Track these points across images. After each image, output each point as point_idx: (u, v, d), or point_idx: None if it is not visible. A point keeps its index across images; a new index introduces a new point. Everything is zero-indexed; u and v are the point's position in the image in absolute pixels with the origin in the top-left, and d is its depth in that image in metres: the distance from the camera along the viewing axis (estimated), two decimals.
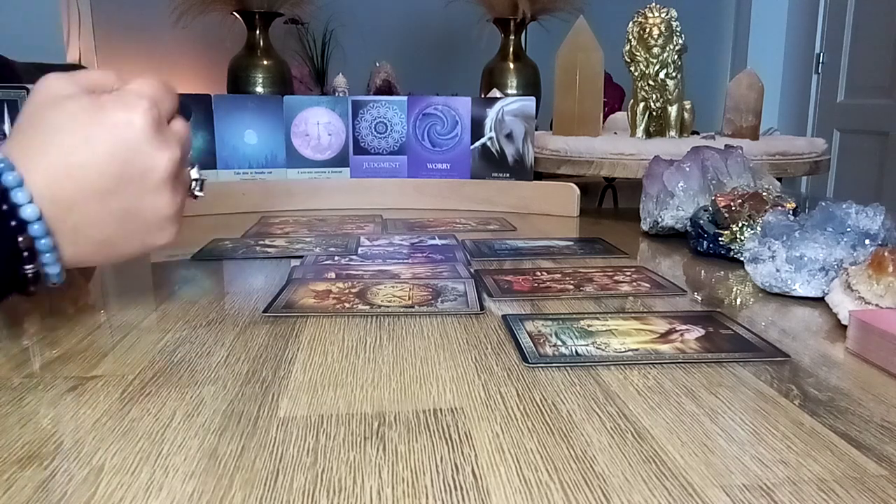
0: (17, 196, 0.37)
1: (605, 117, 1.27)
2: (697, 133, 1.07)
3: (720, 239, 0.64)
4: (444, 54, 2.92)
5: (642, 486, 0.26)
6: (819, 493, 0.26)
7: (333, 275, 0.57)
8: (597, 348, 0.40)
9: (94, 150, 0.39)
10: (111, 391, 0.35)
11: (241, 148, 0.92)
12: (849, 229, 0.51)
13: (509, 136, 0.93)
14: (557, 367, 0.38)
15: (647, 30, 0.94)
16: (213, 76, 2.63)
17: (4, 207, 0.36)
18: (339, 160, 0.95)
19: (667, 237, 0.75)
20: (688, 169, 0.72)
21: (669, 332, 0.43)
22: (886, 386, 0.36)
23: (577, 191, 0.89)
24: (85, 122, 0.39)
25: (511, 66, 2.00)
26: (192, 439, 0.30)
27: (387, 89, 2.09)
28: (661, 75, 0.96)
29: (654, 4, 0.95)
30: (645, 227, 0.76)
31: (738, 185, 0.69)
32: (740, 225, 0.63)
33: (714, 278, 0.59)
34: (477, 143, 0.94)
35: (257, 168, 0.93)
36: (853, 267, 0.47)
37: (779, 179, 0.83)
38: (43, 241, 0.38)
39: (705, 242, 0.65)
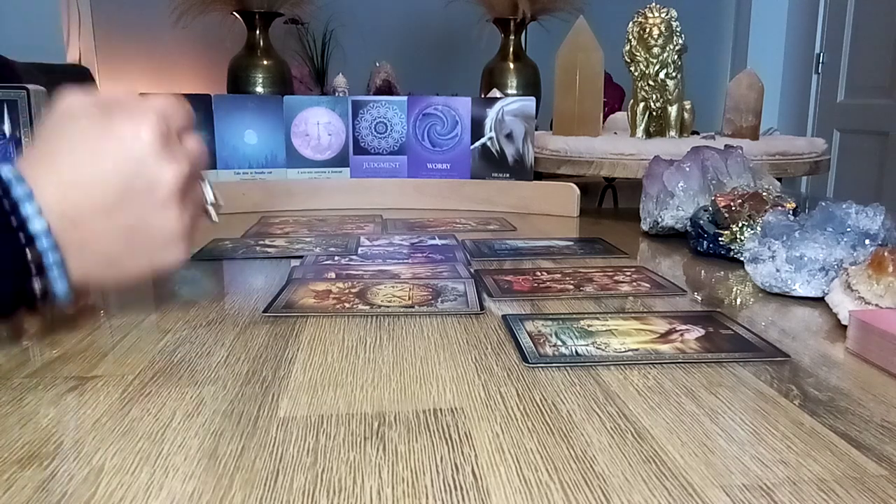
0: (27, 209, 0.37)
1: (605, 117, 1.27)
2: (697, 133, 1.07)
3: (720, 239, 0.64)
4: (444, 54, 2.92)
5: (642, 486, 0.26)
6: (819, 493, 0.26)
7: (333, 275, 0.57)
8: (597, 348, 0.40)
9: (101, 164, 0.39)
10: (111, 391, 0.35)
11: (241, 148, 0.92)
12: (849, 229, 0.51)
13: (509, 136, 0.93)
14: (557, 367, 0.38)
15: (647, 30, 0.94)
16: (213, 76, 2.64)
17: (14, 221, 0.36)
18: (339, 160, 0.95)
19: (667, 237, 0.75)
20: (688, 169, 0.72)
21: (669, 332, 0.43)
22: (886, 386, 0.36)
23: (577, 191, 0.89)
24: (94, 136, 0.39)
25: (511, 66, 2.00)
26: (192, 439, 0.30)
27: (387, 89, 2.10)
28: (661, 75, 0.96)
29: (654, 4, 0.95)
30: (645, 227, 0.76)
31: (738, 185, 0.69)
32: (740, 225, 0.63)
33: (714, 278, 0.59)
34: (477, 143, 0.94)
35: (257, 168, 0.93)
36: (853, 267, 0.47)
37: (779, 179, 0.83)
38: (50, 255, 0.38)
39: (705, 242, 0.65)
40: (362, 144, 0.95)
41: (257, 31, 2.06)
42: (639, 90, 0.99)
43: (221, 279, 0.59)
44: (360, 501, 0.25)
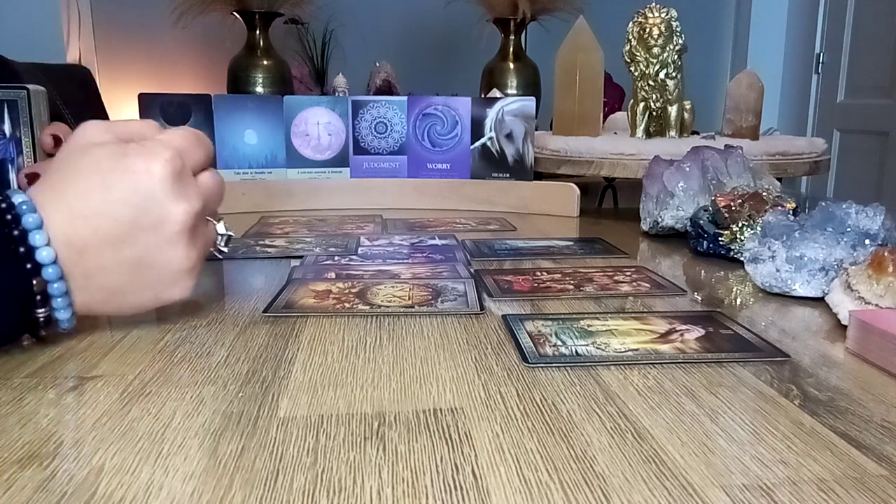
0: (35, 239, 0.37)
1: (605, 117, 1.27)
2: (697, 133, 1.06)
3: (720, 239, 0.64)
4: (444, 54, 2.92)
5: (642, 486, 0.26)
6: (819, 493, 0.26)
7: (333, 275, 0.57)
8: (597, 348, 0.40)
9: (111, 197, 0.39)
10: (111, 391, 0.35)
11: (241, 148, 0.92)
12: (849, 229, 0.51)
13: (509, 136, 0.93)
14: (557, 367, 0.38)
15: (647, 30, 0.94)
16: (213, 76, 2.64)
17: (21, 250, 0.36)
18: (339, 160, 0.95)
19: (667, 237, 0.75)
20: (688, 169, 0.72)
21: (669, 332, 0.43)
22: (886, 386, 0.36)
23: (577, 191, 0.89)
24: (106, 168, 0.39)
25: (511, 66, 2.00)
26: (192, 439, 0.30)
27: (387, 89, 2.10)
28: (661, 75, 0.96)
29: (654, 4, 0.95)
30: (645, 227, 0.76)
31: (738, 185, 0.69)
32: (740, 225, 0.63)
33: (714, 278, 0.59)
34: (477, 143, 0.94)
35: (257, 168, 0.93)
36: (853, 267, 0.47)
37: (779, 179, 0.83)
38: (55, 285, 0.38)
39: (705, 242, 0.65)
40: (362, 144, 0.95)
41: (257, 31, 2.06)
42: (639, 90, 0.99)
43: (221, 279, 0.59)
44: (360, 501, 0.25)
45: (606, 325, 0.45)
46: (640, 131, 1.00)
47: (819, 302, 0.50)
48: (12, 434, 0.30)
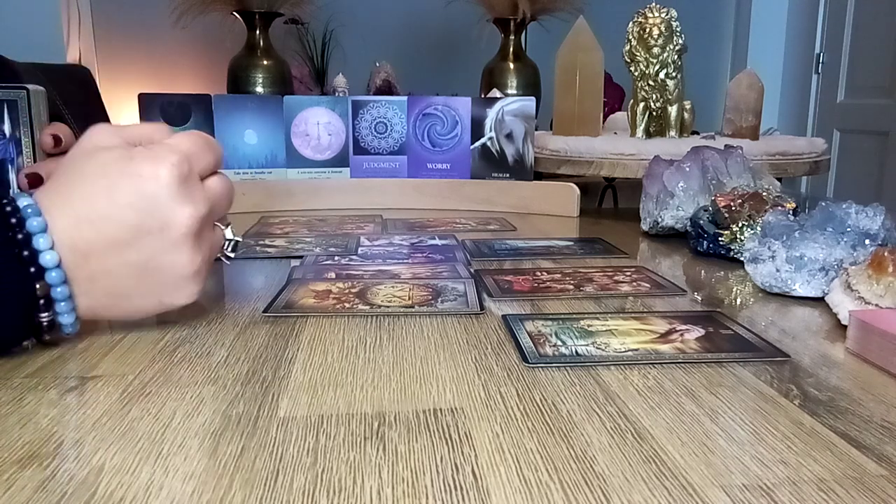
0: (39, 242, 0.37)
1: (605, 117, 1.27)
2: (697, 133, 1.06)
3: (720, 239, 0.64)
4: (444, 54, 2.92)
5: (642, 486, 0.26)
6: (819, 493, 0.26)
7: (333, 275, 0.57)
8: (597, 348, 0.40)
9: (117, 200, 0.38)
10: (111, 391, 0.35)
11: (241, 148, 0.92)
12: (849, 229, 0.51)
13: (509, 136, 0.93)
14: (557, 367, 0.38)
15: (647, 30, 0.94)
16: (213, 76, 2.64)
17: (25, 253, 0.36)
18: (339, 160, 0.95)
19: (667, 237, 0.75)
20: (688, 169, 0.72)
21: (669, 332, 0.43)
22: (886, 386, 0.36)
23: (577, 191, 0.89)
24: (112, 172, 0.39)
25: (511, 66, 2.00)
26: (192, 439, 0.30)
27: (387, 89, 2.10)
28: (661, 75, 0.96)
29: (654, 4, 0.95)
30: (645, 227, 0.76)
31: (738, 185, 0.69)
32: (740, 225, 0.63)
33: (714, 278, 0.59)
34: (477, 143, 0.94)
35: (257, 168, 0.93)
36: (853, 267, 0.47)
37: (779, 179, 0.83)
38: (59, 289, 0.37)
39: (705, 242, 0.65)
40: (362, 144, 0.95)
41: (257, 31, 2.06)
42: (639, 90, 0.99)
43: (221, 279, 0.59)
44: (360, 501, 0.25)
45: (606, 325, 0.45)
46: (640, 131, 1.00)
47: (819, 302, 0.50)
48: (12, 434, 0.30)
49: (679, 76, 0.97)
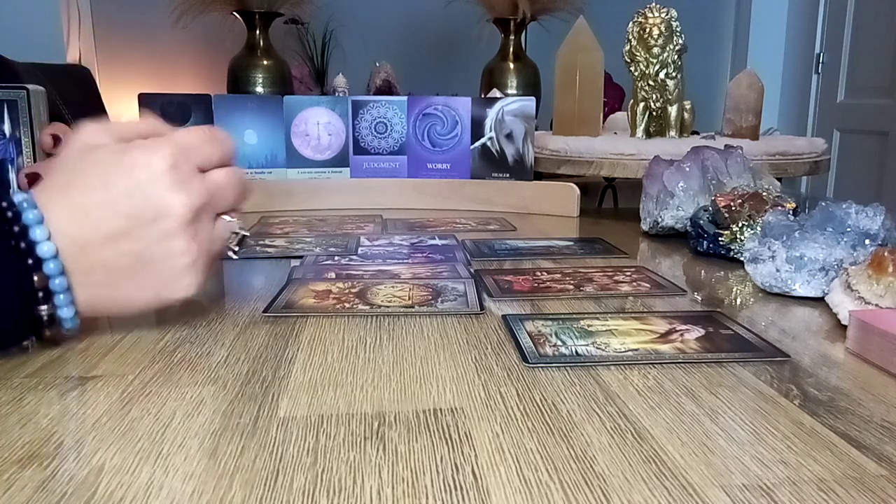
0: (36, 234, 0.37)
1: (605, 117, 1.27)
2: (697, 133, 1.07)
3: (720, 239, 0.64)
4: (444, 54, 2.92)
5: (642, 486, 0.26)
6: (819, 493, 0.26)
7: (333, 275, 0.57)
8: (597, 348, 0.40)
9: (111, 190, 0.39)
10: (111, 391, 0.35)
11: (241, 148, 0.92)
12: (849, 229, 0.51)
13: (509, 136, 0.93)
14: (557, 367, 0.38)
15: (647, 30, 0.94)
16: (213, 76, 2.64)
17: (23, 245, 0.36)
18: (339, 160, 0.95)
19: (667, 237, 0.75)
20: (688, 169, 0.72)
21: (669, 332, 0.43)
22: (886, 386, 0.36)
23: (577, 191, 0.89)
24: (107, 164, 0.39)
25: (511, 66, 2.00)
26: (192, 439, 0.30)
27: (387, 89, 2.10)
28: (661, 75, 0.96)
29: (654, 4, 0.95)
30: (645, 227, 0.76)
31: (738, 185, 0.69)
32: (740, 225, 0.63)
33: (714, 278, 0.59)
34: (477, 143, 0.94)
35: (257, 168, 0.93)
36: (853, 267, 0.47)
37: (779, 179, 0.83)
38: (57, 280, 0.37)
39: (705, 242, 0.65)
40: (362, 144, 0.95)
41: (257, 31, 2.06)
42: (639, 90, 0.99)
43: (221, 279, 0.59)
44: (360, 501, 0.25)
45: (606, 325, 0.45)
46: (640, 131, 1.00)
47: (819, 302, 0.50)
48: (12, 434, 0.30)
49: (679, 76, 0.97)
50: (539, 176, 0.96)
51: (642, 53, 0.96)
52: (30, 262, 0.37)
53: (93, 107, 1.67)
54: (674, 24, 0.94)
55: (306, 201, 0.94)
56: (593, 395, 0.35)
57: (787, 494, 0.26)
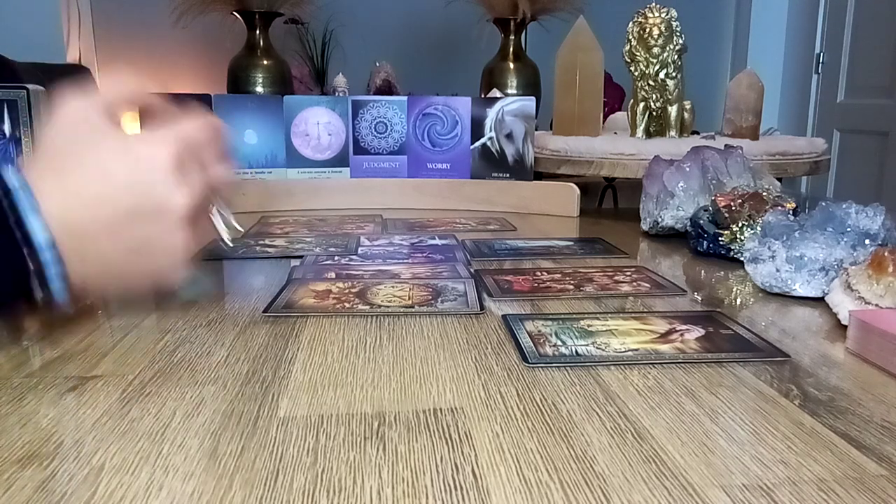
0: (32, 222, 0.37)
1: (605, 117, 1.27)
2: (697, 133, 1.07)
3: (720, 239, 0.64)
4: (444, 54, 2.92)
5: (642, 486, 0.26)
6: (819, 493, 0.26)
7: (333, 275, 0.57)
8: (597, 348, 0.40)
9: (111, 182, 0.39)
10: (111, 391, 0.35)
11: (241, 148, 0.92)
12: (849, 229, 0.51)
13: (509, 136, 0.93)
14: (557, 367, 0.38)
15: (647, 30, 0.94)
16: (213, 76, 2.63)
17: (18, 234, 0.36)
18: (339, 160, 0.95)
19: (667, 237, 0.75)
20: (688, 169, 0.72)
21: (669, 332, 0.43)
22: (886, 386, 0.36)
23: (577, 191, 0.89)
24: (108, 153, 0.39)
25: (511, 66, 2.00)
26: (192, 439, 0.30)
27: (387, 89, 2.09)
28: (661, 75, 0.96)
29: (654, 4, 0.95)
30: (645, 227, 0.76)
31: (738, 185, 0.69)
32: (740, 225, 0.63)
33: (714, 278, 0.59)
34: (477, 143, 0.94)
35: (257, 168, 0.93)
36: (853, 267, 0.47)
37: (779, 179, 0.83)
38: (53, 268, 0.38)
39: (705, 242, 0.65)
40: (362, 144, 0.95)
41: (257, 31, 2.06)
42: (639, 90, 0.99)
43: (221, 279, 0.59)
44: (360, 501, 0.25)
45: (606, 325, 0.45)
46: (640, 131, 1.00)
47: (819, 302, 0.50)
48: (12, 434, 0.30)
49: (679, 76, 0.97)
50: (539, 176, 0.96)
51: (642, 53, 0.96)
52: (26, 249, 0.37)
53: None
54: (674, 24, 0.94)
55: (306, 201, 0.94)
56: (593, 395, 0.35)
57: (787, 494, 0.26)
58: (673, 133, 1.00)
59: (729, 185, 0.70)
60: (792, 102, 3.02)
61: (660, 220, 0.73)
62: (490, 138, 0.94)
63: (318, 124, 0.94)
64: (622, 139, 0.95)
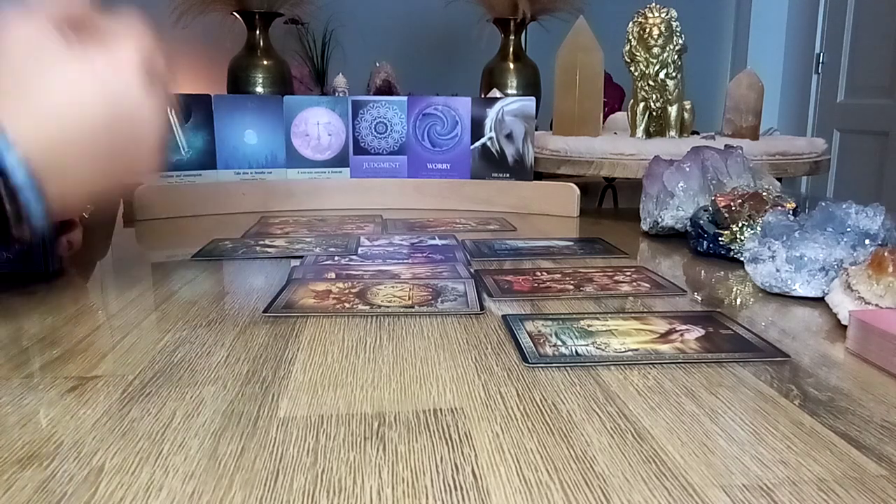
0: (6, 161, 0.36)
1: (605, 117, 1.27)
2: (697, 133, 1.07)
3: (720, 239, 0.64)
4: (444, 54, 2.92)
5: (642, 486, 0.26)
6: (819, 493, 0.26)
7: (333, 275, 0.57)
8: (597, 348, 0.40)
9: (81, 97, 0.39)
10: (111, 391, 0.35)
11: (241, 148, 0.92)
12: (849, 229, 0.51)
13: (509, 136, 0.93)
14: (557, 367, 0.38)
15: (647, 30, 0.94)
16: (213, 76, 2.63)
17: None
18: (339, 160, 0.95)
19: (667, 237, 0.75)
20: (688, 169, 0.72)
21: (669, 332, 0.43)
22: (886, 386, 0.36)
23: (577, 191, 0.89)
24: (71, 70, 0.39)
25: (511, 66, 2.00)
26: (192, 439, 0.30)
27: (387, 89, 2.09)
28: (661, 75, 0.96)
29: (654, 4, 0.95)
30: (645, 227, 0.76)
31: (738, 185, 0.69)
32: (740, 225, 0.63)
33: (714, 278, 0.59)
34: (477, 144, 0.94)
35: (257, 168, 0.93)
36: (853, 267, 0.47)
37: (779, 179, 0.83)
38: (27, 188, 0.37)
39: (705, 242, 0.65)
40: (362, 144, 0.95)
41: (257, 31, 2.06)
42: (639, 90, 0.99)
43: (221, 279, 0.59)
44: (360, 501, 0.25)
45: (606, 325, 0.45)
46: (640, 131, 1.00)
47: (819, 302, 0.50)
48: (12, 434, 0.30)
49: (679, 76, 0.97)
50: (539, 176, 0.96)
51: (642, 53, 0.96)
52: (4, 192, 0.37)
53: None
54: (674, 24, 0.94)
55: (306, 201, 0.94)
56: (593, 395, 0.35)
57: (787, 495, 0.26)
58: (673, 133, 1.00)
59: (729, 185, 0.70)
60: (792, 102, 3.02)
61: (660, 220, 0.73)
62: (490, 138, 0.94)
63: (318, 124, 0.94)
64: (622, 139, 0.95)
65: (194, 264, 0.63)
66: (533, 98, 0.94)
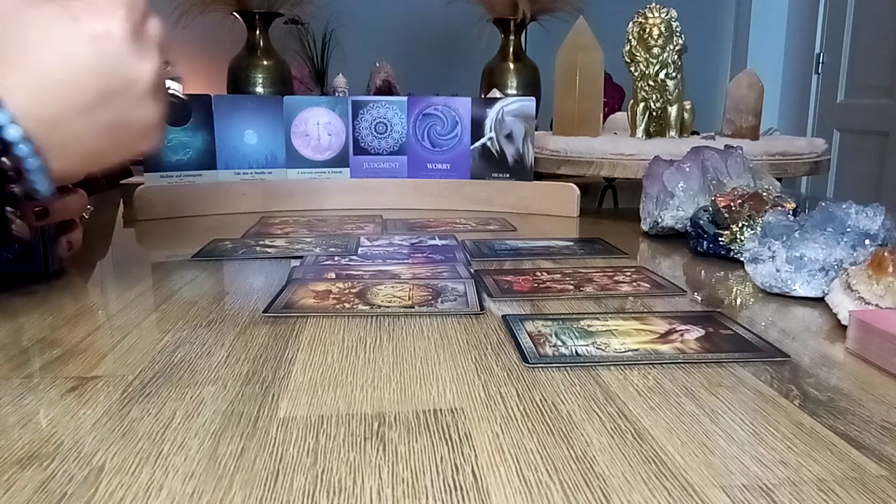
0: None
1: (605, 117, 1.27)
2: (697, 133, 1.07)
3: (720, 239, 0.64)
4: (444, 54, 2.92)
5: (642, 487, 0.26)
6: (819, 493, 0.26)
7: (333, 275, 0.57)
8: (597, 348, 0.40)
9: (75, 67, 0.38)
10: (111, 391, 0.35)
11: (241, 148, 0.92)
12: (849, 229, 0.51)
13: (509, 137, 0.93)
14: (557, 367, 0.38)
15: (647, 30, 0.94)
16: (213, 76, 2.63)
17: None
18: (339, 160, 0.95)
19: (667, 237, 0.75)
20: (688, 169, 0.72)
21: (669, 333, 0.43)
22: (886, 386, 0.36)
23: (577, 191, 0.89)
24: (60, 36, 0.38)
25: (511, 66, 2.00)
26: (192, 439, 0.30)
27: (387, 89, 2.09)
28: (661, 75, 0.96)
29: (654, 4, 0.95)
30: (645, 227, 0.76)
31: (738, 185, 0.69)
32: (740, 225, 0.63)
33: (714, 278, 0.59)
34: (477, 144, 0.94)
35: (257, 168, 0.93)
36: (853, 267, 0.47)
37: (779, 179, 0.83)
38: (30, 160, 0.37)
39: (705, 242, 0.65)
40: (362, 144, 0.95)
41: (257, 32, 2.06)
42: (639, 90, 0.99)
43: (221, 279, 0.59)
44: (360, 502, 0.25)
45: (606, 325, 0.45)
46: (640, 131, 1.00)
47: (819, 302, 0.50)
48: (12, 434, 0.30)
49: (679, 76, 0.97)
50: (539, 176, 0.96)
51: (642, 53, 0.96)
52: None
53: None
54: (674, 24, 0.94)
55: (306, 201, 0.94)
56: (593, 395, 0.35)
57: (787, 495, 0.26)
58: (673, 133, 1.00)
59: (729, 185, 0.70)
60: (792, 102, 3.03)
61: (660, 220, 0.73)
62: (490, 138, 0.94)
63: (318, 124, 0.94)
64: (622, 139, 0.95)
65: (194, 264, 0.63)
66: (533, 98, 0.94)
